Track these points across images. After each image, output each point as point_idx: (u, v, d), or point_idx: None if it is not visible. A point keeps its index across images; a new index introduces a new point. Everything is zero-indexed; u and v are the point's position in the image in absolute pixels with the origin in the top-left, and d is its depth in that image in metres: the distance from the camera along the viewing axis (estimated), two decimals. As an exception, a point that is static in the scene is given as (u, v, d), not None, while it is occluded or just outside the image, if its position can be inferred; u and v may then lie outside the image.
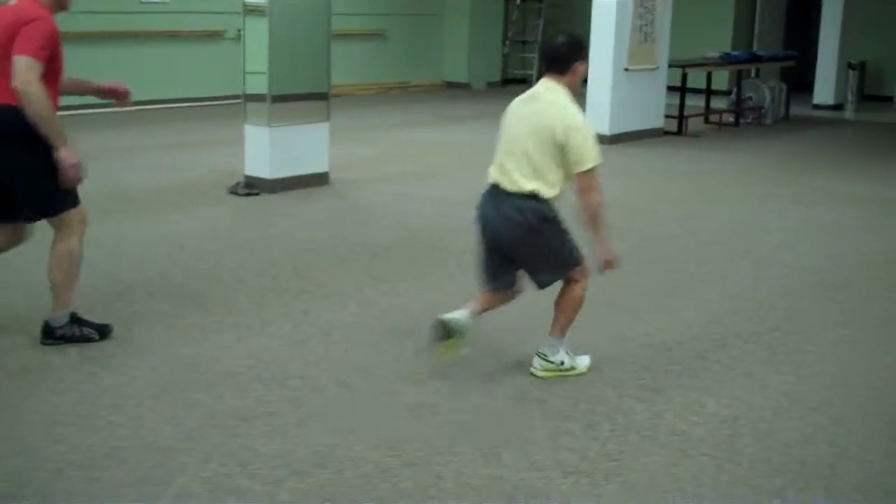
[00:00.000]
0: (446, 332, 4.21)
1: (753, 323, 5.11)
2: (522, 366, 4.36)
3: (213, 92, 13.54)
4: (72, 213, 4.39)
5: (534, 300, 4.50)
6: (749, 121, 13.54)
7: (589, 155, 4.04)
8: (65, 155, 4.21)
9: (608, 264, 4.19)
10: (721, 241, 6.85)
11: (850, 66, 16.48)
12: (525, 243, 4.16)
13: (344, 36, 15.83)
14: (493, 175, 4.21)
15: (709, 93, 13.29)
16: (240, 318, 4.99)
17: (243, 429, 3.72)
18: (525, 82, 18.06)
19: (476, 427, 3.82)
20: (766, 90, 13.50)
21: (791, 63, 14.46)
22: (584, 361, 4.39)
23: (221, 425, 3.74)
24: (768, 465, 3.55)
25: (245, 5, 8.07)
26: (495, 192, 4.19)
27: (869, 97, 16.89)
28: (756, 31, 17.56)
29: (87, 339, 4.52)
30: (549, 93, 4.16)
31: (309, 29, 8.31)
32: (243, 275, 5.75)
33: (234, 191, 8.04)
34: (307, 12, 8.27)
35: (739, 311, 5.29)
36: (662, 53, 11.92)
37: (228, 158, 8.62)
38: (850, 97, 16.59)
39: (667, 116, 12.25)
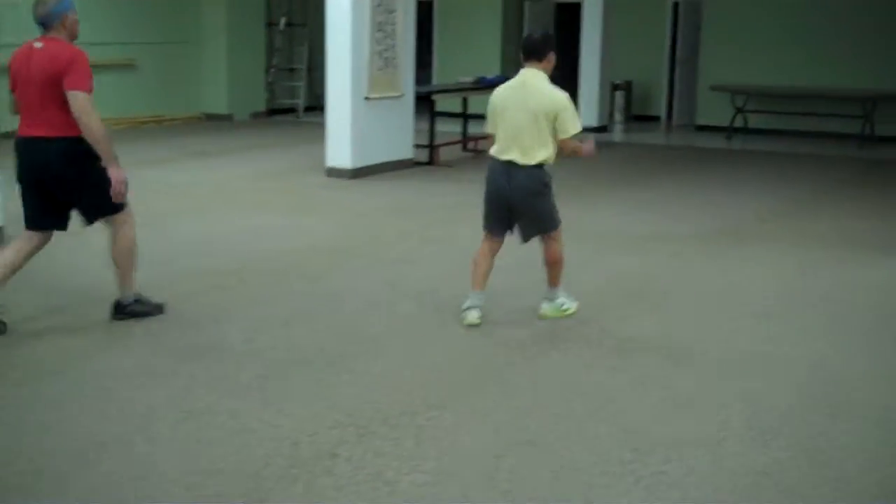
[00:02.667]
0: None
1: (413, 400, 4.39)
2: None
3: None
4: (125, 213, 5.29)
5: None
6: (508, 147, 13.10)
7: (573, 126, 5.23)
8: (115, 173, 5.05)
9: (590, 149, 5.41)
10: (418, 293, 6.16)
11: (615, 86, 16.47)
12: (530, 204, 5.32)
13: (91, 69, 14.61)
14: (502, 153, 5.28)
15: (465, 119, 12.80)
16: None
17: None
18: (293, 111, 17.25)
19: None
20: (524, 114, 13.09)
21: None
22: (575, 304, 5.64)
23: None
24: None
25: None
26: (507, 166, 5.27)
27: (637, 117, 16.95)
28: (525, 54, 17.33)
29: (148, 314, 5.41)
30: (534, 79, 5.24)
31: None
32: None
33: None
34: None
35: (401, 386, 4.57)
36: (407, 80, 11.30)
37: None
38: (617, 118, 16.57)
39: (420, 146, 11.66)
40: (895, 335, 5.46)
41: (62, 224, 5.31)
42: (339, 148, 10.59)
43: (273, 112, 17.23)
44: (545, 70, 5.27)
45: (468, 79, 13.02)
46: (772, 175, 11.44)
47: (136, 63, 15.35)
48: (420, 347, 5.12)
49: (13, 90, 5.12)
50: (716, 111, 15.49)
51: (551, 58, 5.28)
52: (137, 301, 5.46)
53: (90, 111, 4.94)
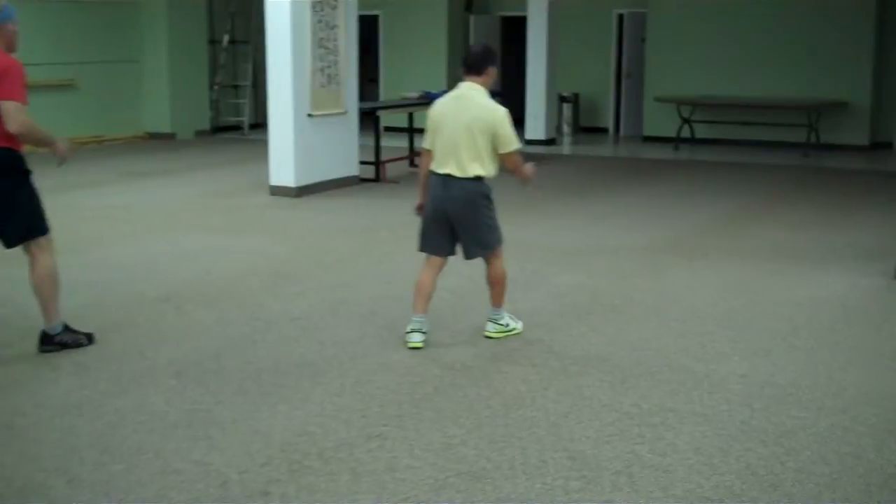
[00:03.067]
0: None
1: (350, 430, 4.21)
2: None
3: None
4: (44, 239, 5.13)
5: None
6: (456, 161, 12.98)
7: (512, 141, 5.17)
8: (60, 145, 5.19)
9: (531, 173, 5.37)
10: (358, 316, 5.97)
11: (562, 98, 16.44)
12: (467, 216, 5.21)
13: (28, 89, 14.24)
14: (439, 167, 5.20)
15: (411, 134, 12.65)
16: None
17: None
18: (238, 129, 17.01)
19: None
20: (471, 129, 12.98)
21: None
22: (520, 324, 5.55)
23: None
24: None
25: None
26: (445, 178, 5.18)
27: (585, 129, 16.93)
28: (471, 67, 17.24)
29: (78, 345, 5.22)
30: (472, 91, 5.21)
31: None
32: None
33: None
34: None
35: (339, 414, 4.39)
36: (351, 97, 11.13)
37: None
38: (565, 130, 16.53)
39: (365, 163, 11.48)
40: (838, 352, 5.37)
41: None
42: (283, 166, 10.39)
43: (218, 130, 16.96)
44: (484, 84, 5.21)
45: (413, 94, 12.89)
46: (718, 185, 11.42)
47: (75, 83, 15.02)
48: (359, 374, 4.94)
49: None
50: (663, 122, 15.51)
51: (491, 72, 5.22)
52: (66, 330, 5.24)
53: (23, 119, 4.86)
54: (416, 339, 5.26)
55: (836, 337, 5.57)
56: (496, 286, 5.42)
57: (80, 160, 13.40)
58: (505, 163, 5.22)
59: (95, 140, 15.27)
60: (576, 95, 16.77)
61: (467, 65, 5.27)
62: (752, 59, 14.97)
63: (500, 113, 5.14)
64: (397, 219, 9.19)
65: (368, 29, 17.92)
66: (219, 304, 6.24)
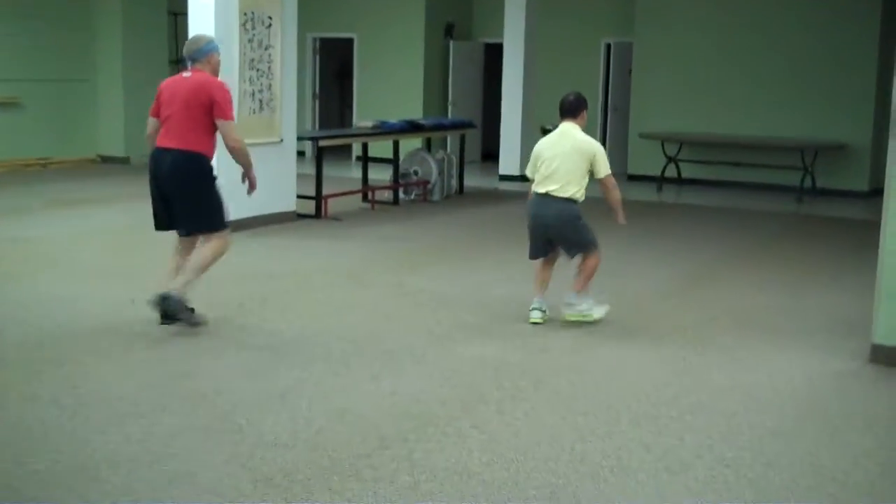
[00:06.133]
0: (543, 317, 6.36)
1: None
2: None
3: None
4: (224, 232, 6.02)
5: None
6: (413, 197, 11.91)
7: (607, 166, 6.21)
8: (253, 174, 6.21)
9: (621, 216, 6.40)
10: (189, 404, 4.85)
11: (545, 131, 15.32)
12: (565, 229, 6.24)
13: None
14: (540, 188, 6.24)
15: (366, 166, 11.60)
16: None
17: None
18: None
19: None
20: (432, 163, 11.94)
21: (464, 132, 13.00)
22: (602, 310, 6.37)
23: None
24: None
25: None
26: (544, 197, 6.22)
27: (569, 164, 15.82)
28: (450, 98, 16.25)
29: (196, 324, 5.88)
30: (574, 130, 6.25)
31: None
32: None
33: None
34: None
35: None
36: (288, 124, 10.09)
37: None
38: (546, 165, 15.44)
39: (302, 197, 10.43)
40: (775, 471, 4.22)
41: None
42: (203, 200, 9.32)
43: (178, 155, 15.97)
44: (580, 125, 6.27)
45: (367, 123, 11.85)
46: (698, 233, 10.31)
47: (20, 101, 14.11)
48: (149, 489, 3.82)
49: None
50: (649, 160, 14.40)
51: (584, 115, 6.31)
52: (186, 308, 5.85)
53: (238, 139, 5.92)
54: (535, 315, 6.29)
55: (777, 447, 4.41)
56: (584, 272, 6.29)
57: (12, 184, 12.47)
58: (605, 191, 6.25)
59: (40, 162, 14.33)
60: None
61: (563, 110, 6.32)
62: (746, 94, 13.86)
63: (597, 144, 6.24)
64: (318, 263, 8.16)
65: (345, 52, 16.97)
66: (40, 375, 5.14)
